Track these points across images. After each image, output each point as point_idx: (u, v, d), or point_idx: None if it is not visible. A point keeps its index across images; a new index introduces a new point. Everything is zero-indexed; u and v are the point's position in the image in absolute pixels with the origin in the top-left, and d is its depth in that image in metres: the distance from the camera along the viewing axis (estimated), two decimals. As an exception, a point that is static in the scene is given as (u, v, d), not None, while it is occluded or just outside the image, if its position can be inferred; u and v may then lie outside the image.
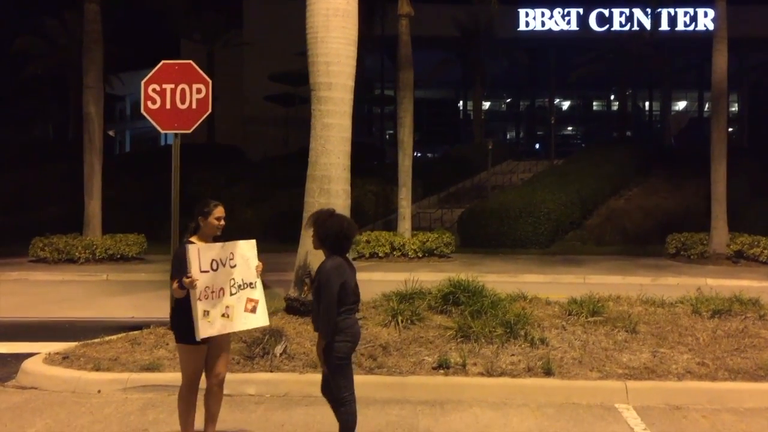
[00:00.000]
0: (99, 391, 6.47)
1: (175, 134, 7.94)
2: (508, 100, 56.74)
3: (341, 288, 4.67)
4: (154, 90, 7.88)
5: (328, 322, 4.61)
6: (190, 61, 7.97)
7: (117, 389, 6.46)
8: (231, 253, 4.90)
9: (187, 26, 41.03)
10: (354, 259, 19.67)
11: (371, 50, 38.76)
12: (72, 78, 36.62)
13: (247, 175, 30.55)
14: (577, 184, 26.26)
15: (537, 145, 53.15)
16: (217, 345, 4.96)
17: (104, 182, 20.55)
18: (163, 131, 7.97)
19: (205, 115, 7.91)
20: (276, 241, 20.60)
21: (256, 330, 7.42)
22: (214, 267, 4.79)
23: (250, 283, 5.00)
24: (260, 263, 5.10)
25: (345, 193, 8.05)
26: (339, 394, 4.75)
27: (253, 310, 5.00)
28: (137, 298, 13.38)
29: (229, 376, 6.52)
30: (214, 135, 42.06)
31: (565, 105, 56.21)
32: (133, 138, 61.91)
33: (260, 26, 45.74)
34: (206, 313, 4.75)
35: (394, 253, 19.52)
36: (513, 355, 6.84)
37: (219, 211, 5.01)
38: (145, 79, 7.93)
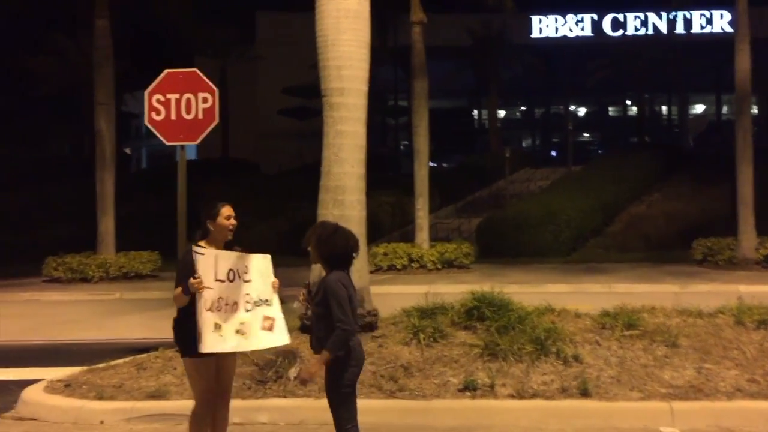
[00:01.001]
0: (101, 422, 6.06)
1: (181, 146, 7.55)
2: (523, 108, 56.19)
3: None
4: (158, 100, 7.51)
5: (346, 335, 4.18)
6: (195, 69, 7.60)
7: (120, 419, 6.04)
8: (246, 266, 4.51)
9: (200, 42, 40.95)
10: (372, 271, 19.11)
11: (384, 61, 38.48)
12: (85, 95, 36.53)
13: (262, 189, 30.27)
14: (596, 190, 25.72)
15: (553, 153, 52.49)
16: (222, 359, 4.53)
17: (119, 199, 20.30)
18: (168, 143, 7.59)
19: (212, 126, 7.52)
20: (291, 255, 20.17)
21: (268, 351, 7.00)
22: (231, 278, 4.40)
23: (266, 300, 4.60)
24: (276, 280, 4.70)
25: (360, 203, 7.61)
26: (341, 426, 4.30)
27: (271, 329, 4.59)
28: (149, 317, 13.00)
29: (239, 403, 6.10)
30: (228, 149, 41.93)
31: (581, 111, 55.56)
32: (149, 155, 61.90)
33: (273, 40, 45.62)
34: (217, 326, 4.33)
35: (413, 264, 19.07)
36: (545, 374, 6.35)
37: (228, 209, 4.59)
38: (149, 89, 7.57)
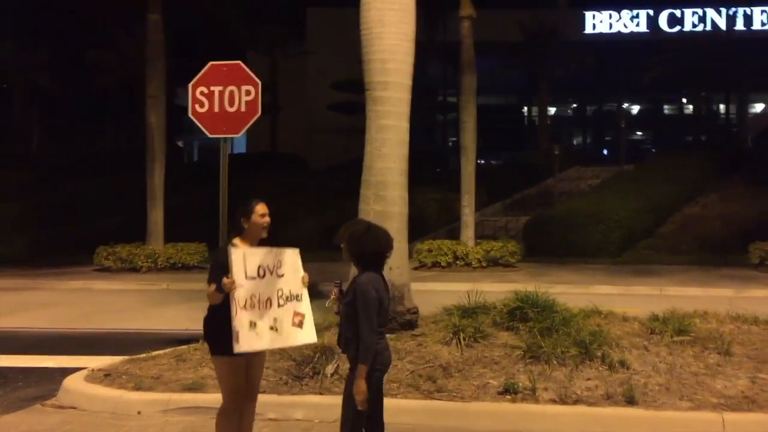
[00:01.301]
0: (139, 413, 6.06)
1: (224, 139, 7.53)
2: (574, 105, 55.25)
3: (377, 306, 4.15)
4: (201, 93, 7.50)
5: (370, 344, 4.06)
6: (239, 62, 7.57)
7: (157, 411, 6.04)
8: (279, 260, 4.42)
9: (251, 38, 41.30)
10: (415, 268, 19.09)
11: (432, 57, 38.23)
12: (139, 90, 37.26)
13: (309, 184, 30.39)
14: (649, 190, 25.07)
15: (605, 151, 51.52)
16: (252, 356, 4.46)
17: (169, 192, 20.59)
18: (211, 136, 7.58)
19: (255, 118, 7.48)
20: (336, 251, 20.24)
21: (307, 347, 6.93)
22: (261, 274, 4.31)
23: (297, 296, 4.51)
24: (306, 274, 4.59)
25: (402, 200, 7.48)
26: (344, 429, 4.20)
27: (300, 325, 4.50)
28: (193, 308, 12.99)
29: (275, 399, 6.05)
30: (276, 144, 42.25)
31: (635, 109, 54.37)
32: (201, 148, 62.80)
33: (323, 35, 45.74)
34: (253, 324, 4.25)
35: (457, 262, 18.88)
36: (589, 379, 6.13)
37: (262, 207, 4.50)
38: (193, 82, 7.57)
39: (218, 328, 4.25)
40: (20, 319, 11.83)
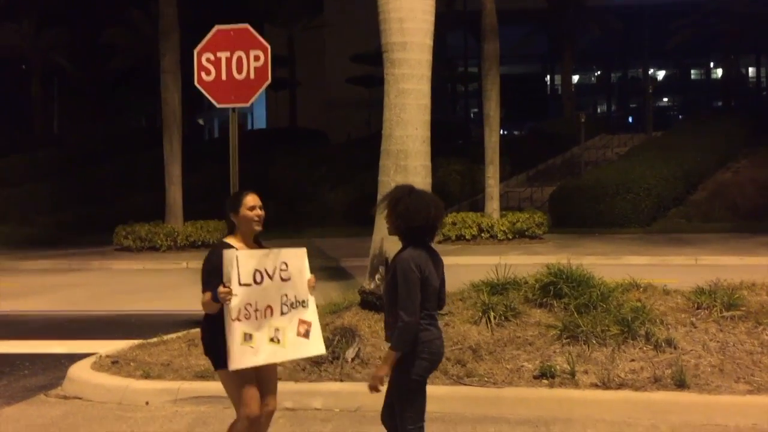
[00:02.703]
0: (147, 403, 5.65)
1: (232, 108, 7.04)
2: (599, 72, 54.15)
3: (422, 286, 3.58)
4: (207, 60, 6.99)
5: (408, 329, 3.52)
6: (247, 25, 7.03)
7: (166, 401, 5.63)
8: (283, 262, 3.84)
9: (268, 10, 40.64)
10: (439, 242, 18.61)
11: (453, 27, 37.37)
12: (157, 68, 36.90)
13: (330, 158, 29.91)
14: (679, 157, 24.33)
15: (630, 118, 50.49)
16: (264, 368, 3.97)
17: (190, 169, 20.23)
18: (219, 105, 7.07)
19: (265, 86, 6.97)
20: (357, 225, 19.85)
21: (324, 329, 6.49)
22: (258, 279, 3.73)
23: (303, 302, 3.94)
24: (312, 277, 4.00)
25: (425, 169, 6.94)
26: (404, 426, 3.63)
27: (306, 335, 3.94)
28: (212, 288, 12.73)
29: (292, 386, 5.61)
30: (296, 119, 41.77)
31: (661, 74, 53.09)
32: (221, 125, 62.58)
33: (341, 7, 45.05)
34: (248, 336, 3.71)
35: (482, 235, 18.38)
36: (633, 360, 5.60)
37: (251, 199, 3.90)
38: (198, 48, 7.05)
39: (218, 339, 3.73)
40: (35, 302, 11.56)
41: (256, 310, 3.73)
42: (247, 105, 7.01)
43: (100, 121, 44.66)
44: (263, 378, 3.94)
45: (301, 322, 3.91)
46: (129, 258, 18.06)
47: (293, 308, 3.89)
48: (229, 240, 3.91)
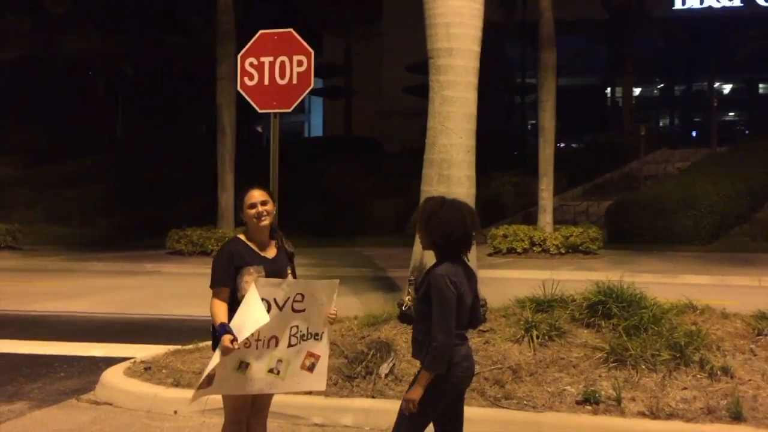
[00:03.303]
0: (175, 412, 5.54)
1: (274, 114, 6.93)
2: (661, 85, 52.72)
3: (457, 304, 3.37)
4: (251, 64, 6.91)
5: (443, 349, 3.30)
6: (291, 30, 6.93)
7: (195, 410, 5.49)
8: (299, 294, 3.63)
9: (326, 19, 40.94)
10: (489, 254, 18.27)
11: (511, 36, 36.96)
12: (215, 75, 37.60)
13: (383, 167, 29.88)
14: (744, 173, 23.45)
15: (694, 133, 49.02)
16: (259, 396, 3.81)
17: (245, 175, 20.30)
18: (260, 111, 6.98)
19: (307, 91, 6.85)
20: (408, 235, 19.66)
21: (360, 342, 6.31)
22: (266, 309, 3.53)
23: (316, 334, 3.74)
24: (335, 310, 3.78)
25: (469, 180, 6.69)
26: None
27: (311, 368, 3.74)
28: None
29: (322, 402, 5.43)
30: (351, 128, 41.88)
31: (727, 88, 51.42)
32: (280, 133, 63.34)
33: (399, 17, 44.98)
34: (243, 364, 3.52)
35: (534, 248, 17.95)
36: (685, 389, 5.24)
37: (252, 195, 3.75)
38: (242, 52, 6.98)
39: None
40: (82, 303, 11.68)
41: (257, 340, 3.54)
42: (289, 110, 6.90)
43: (161, 127, 45.67)
44: (255, 408, 3.80)
45: (309, 354, 3.71)
46: (180, 262, 18.24)
47: (303, 340, 3.69)
48: (242, 236, 3.81)
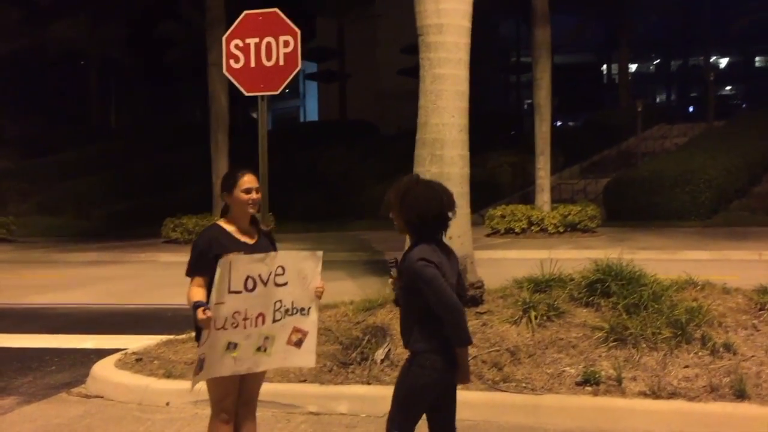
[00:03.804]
0: (167, 404, 5.43)
1: (261, 97, 6.76)
2: (657, 61, 52.49)
3: None
4: (236, 46, 6.72)
5: (459, 318, 3.22)
6: (276, 10, 6.73)
7: (187, 402, 5.38)
8: (280, 266, 3.53)
9: (319, 2, 40.51)
10: (487, 235, 18.15)
11: (506, 14, 36.65)
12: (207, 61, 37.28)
13: (380, 151, 29.65)
14: (741, 147, 23.32)
15: (691, 108, 48.84)
16: (246, 388, 3.71)
17: (237, 162, 20.13)
18: (247, 93, 6.81)
19: (294, 73, 6.65)
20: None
21: (355, 327, 6.19)
22: (249, 287, 3.43)
23: (302, 309, 3.63)
24: (322, 284, 3.69)
25: (462, 159, 6.54)
26: (388, 427, 3.38)
27: (298, 344, 3.64)
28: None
29: (316, 389, 5.32)
30: (346, 111, 41.61)
31: (723, 62, 51.19)
32: (275, 118, 62.98)
33: (392, -1, 44.60)
34: (232, 345, 3.42)
35: (532, 228, 17.82)
36: (687, 367, 5.12)
37: (247, 180, 3.61)
38: (227, 34, 6.80)
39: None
40: (76, 295, 11.57)
41: (245, 319, 3.43)
42: (277, 92, 6.73)
43: (155, 115, 45.41)
44: (243, 398, 3.68)
45: (296, 330, 3.60)
46: (176, 250, 18.08)
47: (289, 315, 3.58)
48: (222, 223, 3.65)
